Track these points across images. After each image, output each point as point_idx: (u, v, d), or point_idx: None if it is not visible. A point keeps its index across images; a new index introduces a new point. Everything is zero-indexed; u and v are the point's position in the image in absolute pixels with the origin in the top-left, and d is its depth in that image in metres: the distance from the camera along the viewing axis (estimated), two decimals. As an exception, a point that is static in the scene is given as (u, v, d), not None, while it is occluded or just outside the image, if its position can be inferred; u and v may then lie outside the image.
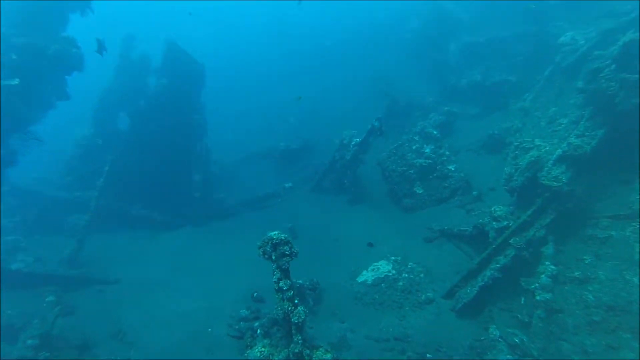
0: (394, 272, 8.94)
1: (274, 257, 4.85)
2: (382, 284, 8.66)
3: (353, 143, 12.81)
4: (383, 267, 9.17)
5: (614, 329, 5.53)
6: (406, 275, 8.75)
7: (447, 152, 11.95)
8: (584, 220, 7.13)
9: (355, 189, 13.23)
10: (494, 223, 8.05)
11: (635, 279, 5.60)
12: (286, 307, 4.57)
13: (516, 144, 8.98)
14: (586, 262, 6.53)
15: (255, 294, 8.99)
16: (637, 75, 6.18)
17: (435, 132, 12.38)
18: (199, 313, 8.61)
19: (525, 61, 14.28)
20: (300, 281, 8.25)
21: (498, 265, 7.27)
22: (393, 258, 9.43)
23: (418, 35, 19.33)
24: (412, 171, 11.87)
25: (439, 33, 17.45)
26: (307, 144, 18.29)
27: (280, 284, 4.76)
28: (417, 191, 11.67)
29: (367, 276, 9.08)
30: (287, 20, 33.55)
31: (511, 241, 7.37)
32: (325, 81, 24.06)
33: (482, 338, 6.58)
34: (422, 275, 8.68)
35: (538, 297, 6.43)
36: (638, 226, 6.12)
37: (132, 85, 15.00)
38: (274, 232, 4.98)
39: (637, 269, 5.64)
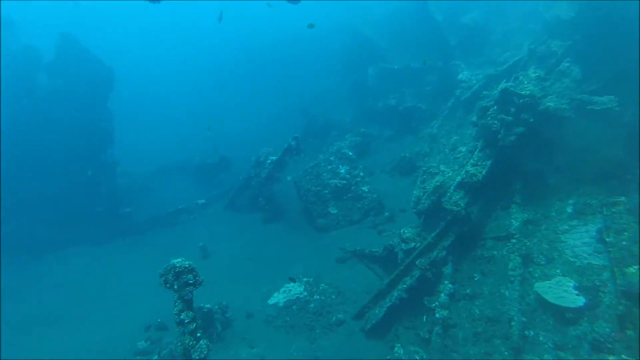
0: (305, 293, 9.23)
1: (176, 287, 4.74)
2: (294, 306, 8.90)
3: (269, 161, 13.07)
4: (295, 289, 9.41)
5: (490, 337, 6.51)
6: (318, 297, 9.10)
7: (362, 173, 12.84)
8: (476, 242, 8.27)
9: (270, 207, 13.43)
10: (402, 244, 8.83)
11: (507, 293, 6.75)
12: (187, 342, 4.48)
13: (424, 168, 10.09)
14: (475, 279, 7.57)
15: (158, 321, 8.53)
16: (511, 117, 7.55)
17: (350, 153, 13.24)
18: (92, 348, 7.93)
19: (433, 91, 16.11)
20: (208, 305, 8.10)
21: (405, 286, 7.97)
22: (305, 279, 9.73)
23: (340, 57, 20.60)
24: (326, 191, 12.50)
25: (359, 57, 18.86)
26: (224, 160, 18.20)
27: (182, 316, 4.66)
28: (331, 211, 12.30)
29: (278, 298, 9.24)
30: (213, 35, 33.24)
31: (417, 262, 8.20)
32: (246, 97, 24.27)
33: (388, 357, 7.15)
34: (333, 296, 9.10)
35: (437, 315, 7.21)
36: (512, 246, 7.39)
37: (12, 82, 13.34)
38: (178, 259, 4.88)
39: (509, 284, 6.80)
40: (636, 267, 5.61)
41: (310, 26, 6.48)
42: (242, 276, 10.42)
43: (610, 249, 6.15)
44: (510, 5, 16.09)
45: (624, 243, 6.07)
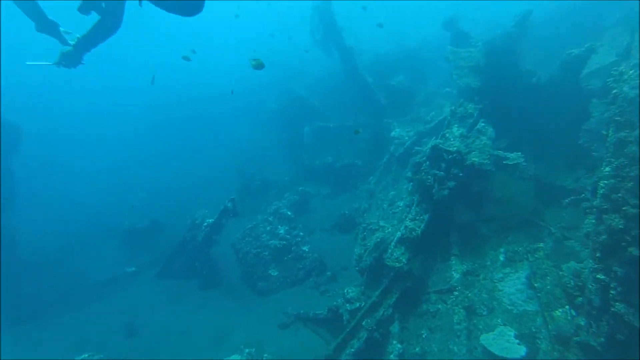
0: (248, 368, 8.74)
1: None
2: (236, 385, 8.33)
3: (205, 224, 12.88)
4: (236, 364, 8.88)
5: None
6: (262, 370, 8.66)
7: (302, 233, 13.01)
8: (420, 297, 8.65)
9: (208, 272, 13.00)
10: (347, 305, 8.93)
11: (455, 348, 7.06)
12: None
13: (364, 225, 10.56)
14: (423, 336, 7.80)
15: None
16: (443, 172, 8.44)
17: (289, 213, 13.46)
18: None
19: (369, 147, 17.35)
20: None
21: (352, 350, 7.96)
22: (247, 350, 9.24)
23: (276, 117, 21.50)
24: (266, 253, 12.41)
25: (295, 116, 19.88)
26: (156, 223, 17.41)
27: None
28: (272, 273, 12.13)
29: (218, 377, 8.61)
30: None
31: (363, 323, 8.29)
32: (181, 156, 24.10)
33: None
34: (278, 368, 8.74)
35: (389, 378, 7.27)
36: (455, 298, 7.85)
37: None
38: (83, 356, 4.49)
39: (457, 339, 7.14)
40: (562, 309, 6.29)
41: (257, 66, 6.75)
42: (176, 353, 9.63)
43: (539, 294, 6.84)
44: (429, 71, 18.60)
45: (548, 287, 6.80)
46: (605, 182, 4.91)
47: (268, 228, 12.98)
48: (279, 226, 13.02)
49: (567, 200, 8.03)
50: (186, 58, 12.38)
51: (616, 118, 5.08)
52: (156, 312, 12.03)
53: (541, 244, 7.66)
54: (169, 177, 22.64)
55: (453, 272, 8.30)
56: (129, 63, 42.82)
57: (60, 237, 17.89)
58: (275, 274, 12.10)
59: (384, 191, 13.79)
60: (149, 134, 27.86)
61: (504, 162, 8.43)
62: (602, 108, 6.98)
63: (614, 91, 5.84)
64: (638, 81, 5.07)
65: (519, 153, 8.45)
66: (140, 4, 5.49)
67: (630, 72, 5.27)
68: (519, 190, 8.45)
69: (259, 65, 6.69)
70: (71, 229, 18.55)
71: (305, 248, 12.55)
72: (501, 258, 8.16)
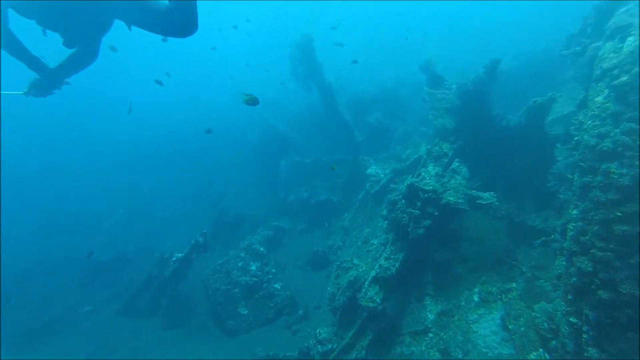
0: (211, 419, 8.20)
1: None
2: None
3: (174, 258, 12.47)
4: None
5: None
6: (226, 421, 8.14)
7: (274, 270, 12.72)
8: (394, 338, 8.50)
9: (175, 309, 12.45)
10: (319, 347, 8.68)
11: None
12: None
13: (338, 263, 10.44)
14: (398, 381, 7.64)
15: None
16: (418, 211, 8.57)
17: (262, 249, 13.20)
18: None
19: (345, 183, 17.50)
20: None
21: (324, 395, 7.67)
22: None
23: (252, 150, 21.54)
24: (237, 290, 12.00)
25: (271, 150, 19.98)
26: (122, 256, 16.68)
27: None
28: (242, 312, 11.70)
29: None
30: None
31: (335, 366, 8.04)
32: (154, 186, 23.65)
33: None
34: (244, 418, 8.24)
35: None
36: (430, 340, 7.76)
37: None
38: None
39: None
40: (536, 353, 6.30)
41: (250, 101, 6.69)
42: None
43: (513, 337, 6.85)
44: (406, 109, 19.30)
45: (522, 329, 6.84)
46: (574, 224, 5.09)
47: (239, 264, 12.64)
48: (251, 262, 12.71)
49: (538, 241, 8.25)
50: (159, 82, 12.39)
51: (580, 164, 5.35)
52: (116, 351, 11.29)
53: (514, 284, 7.76)
54: (140, 207, 21.99)
55: (427, 313, 8.26)
56: (107, 92, 42.49)
57: (25, 264, 16.92)
58: (245, 312, 11.68)
59: (359, 228, 13.82)
60: (123, 162, 27.23)
61: (477, 201, 8.65)
62: (566, 153, 7.37)
63: (576, 138, 6.21)
64: (597, 131, 5.40)
65: (492, 193, 8.71)
66: (129, 29, 5.52)
67: (589, 122, 5.62)
68: (492, 229, 8.64)
69: (252, 101, 6.68)
70: (34, 257, 17.57)
71: (277, 285, 12.25)
72: (475, 298, 8.20)
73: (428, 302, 8.46)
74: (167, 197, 22.28)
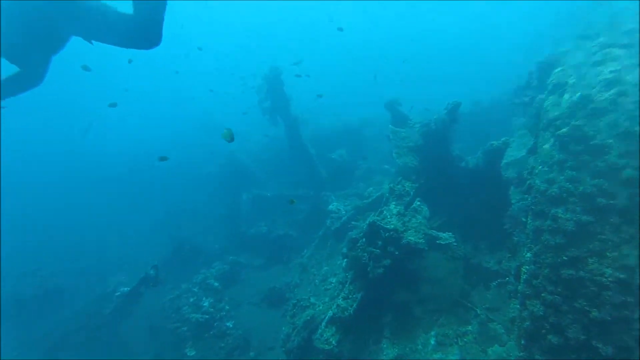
0: None
1: None
2: None
3: (118, 293, 11.63)
4: None
5: None
6: None
7: (227, 307, 12.17)
8: (351, 382, 8.19)
9: (115, 352, 11.41)
10: (269, 393, 8.25)
11: None
12: None
13: (294, 301, 10.14)
14: None
15: None
16: (379, 250, 8.54)
17: (216, 284, 12.66)
18: None
19: (305, 219, 17.35)
20: None
21: None
22: None
23: (214, 181, 21.11)
24: (185, 328, 11.30)
25: (234, 182, 19.65)
26: (56, 290, 15.18)
27: None
28: (189, 353, 10.97)
29: None
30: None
31: (285, 414, 7.58)
32: (108, 215, 22.43)
33: None
34: None
35: None
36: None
37: None
38: None
39: None
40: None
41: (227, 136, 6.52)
42: None
43: (470, 382, 6.78)
44: (369, 147, 19.74)
45: (479, 374, 6.80)
46: (527, 267, 5.22)
47: (191, 300, 11.99)
48: (204, 298, 12.11)
49: (494, 283, 8.39)
50: (112, 105, 12.09)
51: (532, 207, 5.57)
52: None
53: (469, 327, 7.78)
54: (91, 237, 20.58)
55: (384, 357, 8.05)
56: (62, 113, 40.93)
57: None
58: (193, 353, 10.95)
59: (318, 266, 13.59)
60: (74, 189, 25.80)
61: (437, 241, 8.76)
62: (519, 195, 7.70)
63: (528, 182, 6.53)
64: (546, 177, 5.70)
65: (450, 233, 8.88)
66: (91, 43, 5.32)
67: (539, 167, 5.94)
68: (450, 270, 8.73)
69: (229, 137, 6.58)
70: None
71: (230, 324, 11.67)
72: (432, 342, 8.11)
73: (385, 345, 8.27)
74: (119, 226, 21.12)
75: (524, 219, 6.03)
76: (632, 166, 5.11)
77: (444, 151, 10.60)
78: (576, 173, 5.38)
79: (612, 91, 6.08)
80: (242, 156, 20.25)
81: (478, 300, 8.34)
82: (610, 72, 6.55)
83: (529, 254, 5.30)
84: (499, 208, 9.13)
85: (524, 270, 5.27)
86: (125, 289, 11.88)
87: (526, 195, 6.61)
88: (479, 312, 7.98)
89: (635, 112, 5.54)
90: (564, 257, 4.82)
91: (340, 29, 23.21)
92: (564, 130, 5.84)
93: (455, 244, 8.85)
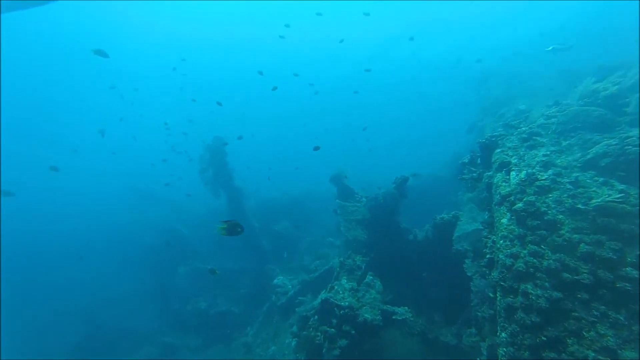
0: None
1: None
2: None
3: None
4: None
5: None
6: None
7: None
8: None
9: None
10: None
11: None
12: None
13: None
14: None
15: None
16: (334, 329, 7.72)
17: (145, 375, 10.65)
18: None
19: (248, 294, 15.92)
20: None
21: None
22: None
23: (145, 254, 18.91)
24: None
25: (169, 255, 17.80)
26: None
27: None
28: None
29: None
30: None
31: None
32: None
33: None
34: None
35: None
36: None
37: None
38: None
39: None
40: None
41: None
42: None
43: None
44: (316, 216, 19.30)
45: None
46: (505, 349, 4.79)
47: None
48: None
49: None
50: (54, 168, 11.08)
51: (501, 283, 5.31)
52: None
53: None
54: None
55: None
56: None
57: None
58: None
59: (263, 345, 12.19)
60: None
61: (393, 317, 8.18)
62: (475, 268, 7.52)
63: (488, 256, 6.37)
64: (509, 251, 5.56)
65: (406, 307, 8.38)
66: None
67: (501, 242, 5.83)
68: (408, 348, 8.07)
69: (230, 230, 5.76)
70: None
71: None
72: None
73: None
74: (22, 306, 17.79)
75: (491, 295, 5.73)
76: (586, 242, 5.14)
77: (394, 225, 10.47)
78: (537, 247, 5.30)
79: (550, 172, 6.37)
80: (182, 227, 18.74)
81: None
82: (544, 155, 6.96)
83: (503, 334, 4.91)
84: (451, 280, 8.90)
85: (501, 352, 4.82)
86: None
87: (486, 269, 6.41)
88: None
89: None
90: (543, 338, 4.49)
91: (261, 73, 20.96)
92: (520, 205, 5.88)
93: (412, 318, 8.34)
